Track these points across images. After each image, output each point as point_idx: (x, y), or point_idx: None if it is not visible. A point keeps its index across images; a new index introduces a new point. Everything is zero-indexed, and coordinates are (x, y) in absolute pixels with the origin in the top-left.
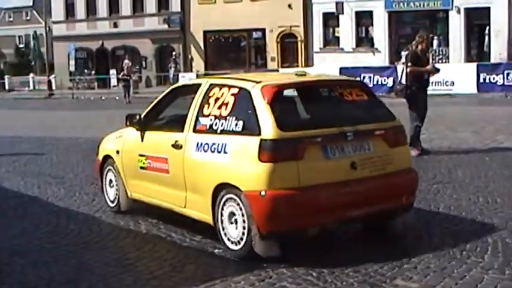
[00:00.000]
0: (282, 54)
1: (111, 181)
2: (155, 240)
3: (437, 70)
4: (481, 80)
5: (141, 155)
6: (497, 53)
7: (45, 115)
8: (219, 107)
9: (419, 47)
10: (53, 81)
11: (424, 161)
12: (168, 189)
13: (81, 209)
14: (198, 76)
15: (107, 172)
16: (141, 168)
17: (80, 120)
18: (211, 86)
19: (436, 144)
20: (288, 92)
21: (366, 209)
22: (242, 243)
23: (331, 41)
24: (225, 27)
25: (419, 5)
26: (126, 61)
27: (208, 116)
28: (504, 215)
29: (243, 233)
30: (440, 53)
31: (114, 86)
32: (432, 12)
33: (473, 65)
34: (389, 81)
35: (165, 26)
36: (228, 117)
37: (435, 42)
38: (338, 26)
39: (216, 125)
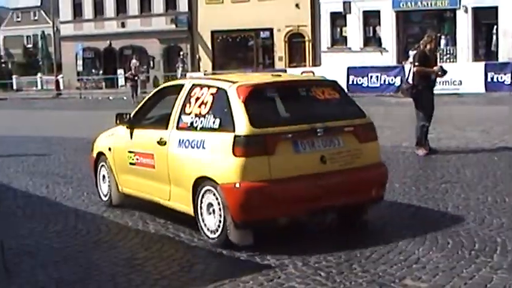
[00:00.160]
0: (289, 54)
1: (104, 176)
2: (164, 240)
3: (445, 72)
4: (489, 79)
5: (130, 152)
6: (505, 53)
7: (53, 115)
8: (199, 106)
9: (428, 46)
10: (60, 81)
11: (432, 161)
12: (154, 183)
13: (90, 208)
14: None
15: (101, 168)
16: (131, 164)
17: (87, 120)
18: (193, 86)
19: (444, 143)
20: (265, 92)
21: (335, 201)
22: (219, 232)
23: (338, 41)
24: (233, 27)
25: (427, 4)
26: (134, 61)
27: (189, 114)
28: None
29: (220, 223)
30: (448, 52)
31: (121, 86)
32: (440, 12)
33: (481, 64)
34: (397, 81)
35: (173, 26)
36: (206, 115)
37: (443, 42)
38: (345, 25)
39: (196, 122)
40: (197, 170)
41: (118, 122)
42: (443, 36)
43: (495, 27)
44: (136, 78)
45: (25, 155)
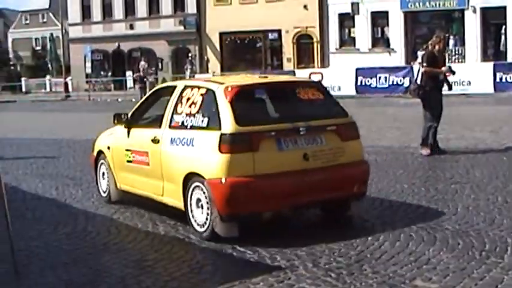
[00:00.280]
0: (297, 55)
1: (103, 174)
2: (173, 241)
3: (453, 72)
4: (498, 80)
5: (127, 150)
6: None
7: (61, 117)
8: (190, 106)
9: (437, 47)
10: (69, 83)
11: (441, 161)
12: (149, 179)
13: (99, 210)
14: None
15: (100, 166)
16: (128, 161)
17: (96, 122)
18: (185, 88)
19: (453, 144)
20: (251, 93)
21: (317, 197)
22: (206, 225)
23: (347, 42)
24: (241, 28)
25: (435, 4)
26: (142, 63)
27: (181, 114)
28: None
29: (207, 216)
30: (457, 52)
31: (130, 88)
32: (448, 12)
33: (490, 64)
34: (406, 82)
35: (181, 28)
36: (196, 115)
37: (451, 42)
38: (354, 26)
39: (186, 121)
40: (187, 167)
41: (116, 121)
42: (451, 37)
43: (504, 27)
44: (145, 80)
45: (34, 157)
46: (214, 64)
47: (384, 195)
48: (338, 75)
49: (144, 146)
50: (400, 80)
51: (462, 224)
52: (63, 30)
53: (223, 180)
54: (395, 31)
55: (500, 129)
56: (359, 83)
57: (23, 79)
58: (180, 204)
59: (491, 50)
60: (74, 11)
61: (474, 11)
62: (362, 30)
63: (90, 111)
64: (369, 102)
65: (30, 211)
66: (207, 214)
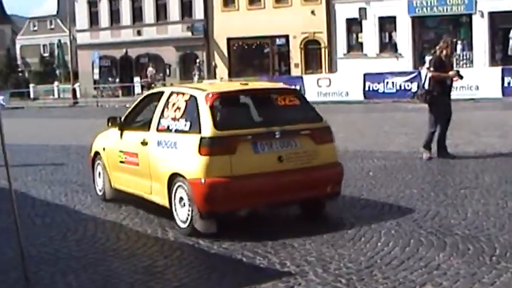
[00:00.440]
0: (305, 61)
1: (99, 173)
2: (183, 247)
3: (461, 77)
4: (506, 84)
5: (120, 151)
6: None
7: (70, 123)
8: (175, 111)
9: (444, 52)
10: (77, 89)
11: (450, 166)
12: (139, 179)
13: (109, 216)
14: None
15: (97, 166)
16: (121, 162)
17: (104, 129)
18: (171, 93)
19: (461, 149)
20: (230, 99)
21: (291, 196)
22: (188, 222)
23: (354, 47)
24: (249, 34)
25: (443, 9)
26: (150, 69)
27: (167, 118)
28: None
29: (188, 214)
30: (464, 57)
31: (138, 94)
32: (456, 17)
33: (498, 69)
34: (413, 87)
35: (189, 34)
36: (180, 119)
37: (459, 47)
38: (361, 31)
39: (171, 125)
40: (171, 167)
41: (110, 124)
42: (459, 42)
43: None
44: (152, 86)
45: (43, 164)
46: (222, 70)
47: (393, 201)
48: (346, 81)
49: (135, 148)
50: (408, 85)
51: (472, 229)
52: (71, 37)
53: (202, 181)
54: (403, 36)
55: (509, 134)
56: (367, 88)
57: (31, 85)
58: (165, 202)
59: (499, 54)
60: (82, 18)
61: (482, 16)
62: (370, 35)
63: (98, 117)
64: (377, 107)
65: (40, 217)
66: (189, 211)
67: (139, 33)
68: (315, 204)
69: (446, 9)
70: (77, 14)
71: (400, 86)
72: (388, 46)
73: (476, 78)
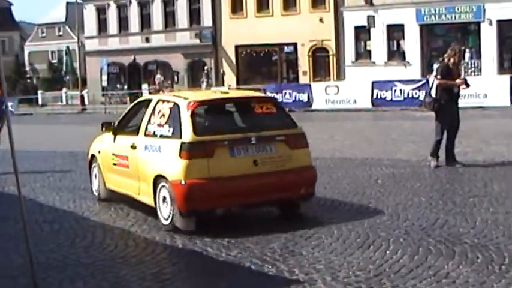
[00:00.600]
0: (313, 68)
1: (95, 175)
2: (191, 255)
3: (468, 85)
4: None
5: (113, 154)
6: None
7: (78, 130)
8: (160, 117)
9: (451, 60)
10: (85, 96)
11: (459, 175)
12: (129, 180)
13: (117, 223)
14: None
15: (93, 168)
16: (113, 164)
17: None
18: (158, 101)
19: (470, 157)
20: (210, 107)
21: (265, 197)
22: (170, 219)
23: (362, 55)
24: (257, 41)
25: (451, 17)
26: (158, 76)
27: (153, 124)
28: None
29: (171, 212)
30: (473, 65)
31: None
32: (464, 25)
33: (506, 77)
34: (422, 95)
35: (197, 41)
36: (164, 125)
37: (467, 55)
38: (369, 39)
39: (157, 130)
40: (156, 170)
41: (104, 129)
42: (467, 50)
43: None
44: (160, 93)
45: (51, 170)
46: (230, 77)
47: (402, 209)
48: (354, 89)
49: (125, 151)
50: (416, 93)
51: (481, 238)
52: (80, 43)
53: (182, 182)
54: (411, 44)
55: None
56: (375, 96)
57: (39, 92)
58: (151, 202)
59: (508, 62)
60: (90, 24)
61: (490, 24)
62: (378, 43)
63: None
64: (384, 115)
65: (48, 224)
66: (171, 210)
67: (147, 40)
68: (289, 205)
69: (455, 17)
70: (86, 20)
71: (408, 94)
72: (396, 54)
73: (485, 87)
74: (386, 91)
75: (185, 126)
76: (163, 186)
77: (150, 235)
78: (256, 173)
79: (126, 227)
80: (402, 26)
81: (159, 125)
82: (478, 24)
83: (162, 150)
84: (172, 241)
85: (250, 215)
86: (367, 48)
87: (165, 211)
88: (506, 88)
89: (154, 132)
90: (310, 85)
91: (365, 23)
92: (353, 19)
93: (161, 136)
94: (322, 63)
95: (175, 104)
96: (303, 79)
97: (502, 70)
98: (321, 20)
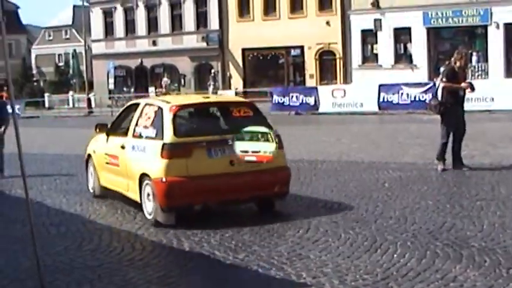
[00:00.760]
0: (320, 72)
1: (91, 173)
2: (198, 257)
3: (473, 89)
4: None
5: (106, 154)
6: None
7: (84, 133)
8: (146, 120)
9: (458, 63)
10: (92, 99)
11: (466, 178)
12: (119, 178)
13: (124, 226)
14: (236, 94)
15: (89, 166)
16: (106, 163)
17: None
18: (145, 105)
19: (477, 160)
20: (190, 110)
21: (241, 195)
22: (152, 214)
23: (369, 58)
24: (263, 44)
25: (458, 21)
26: (165, 79)
27: (140, 126)
28: None
29: (153, 207)
30: (480, 68)
31: None
32: (471, 28)
33: None
34: (428, 98)
35: (204, 44)
36: (149, 127)
37: (474, 58)
38: (376, 42)
39: (143, 132)
40: (141, 168)
41: (97, 130)
42: (474, 53)
43: None
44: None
45: (58, 173)
46: (236, 80)
47: (409, 212)
48: (361, 92)
49: (116, 151)
50: (423, 96)
51: (488, 241)
52: (86, 46)
53: (163, 179)
54: (418, 47)
55: None
56: (381, 99)
57: (46, 95)
58: (137, 198)
59: None
60: (97, 27)
61: (497, 27)
62: (385, 46)
63: None
64: (391, 118)
65: (55, 227)
66: (153, 205)
67: (154, 43)
68: (265, 202)
69: (462, 21)
70: (93, 23)
71: (415, 97)
72: (403, 57)
73: (492, 90)
74: (393, 94)
75: (167, 128)
76: (147, 183)
77: (156, 238)
78: (233, 172)
79: (133, 230)
80: (409, 29)
81: (145, 127)
82: (485, 27)
83: (146, 150)
84: (179, 244)
85: (257, 218)
86: (374, 51)
87: (149, 206)
88: None
89: (140, 134)
90: (317, 88)
91: (372, 27)
92: (360, 22)
93: (146, 137)
94: (329, 66)
95: (159, 107)
96: (310, 82)
97: (508, 73)
98: (327, 23)
